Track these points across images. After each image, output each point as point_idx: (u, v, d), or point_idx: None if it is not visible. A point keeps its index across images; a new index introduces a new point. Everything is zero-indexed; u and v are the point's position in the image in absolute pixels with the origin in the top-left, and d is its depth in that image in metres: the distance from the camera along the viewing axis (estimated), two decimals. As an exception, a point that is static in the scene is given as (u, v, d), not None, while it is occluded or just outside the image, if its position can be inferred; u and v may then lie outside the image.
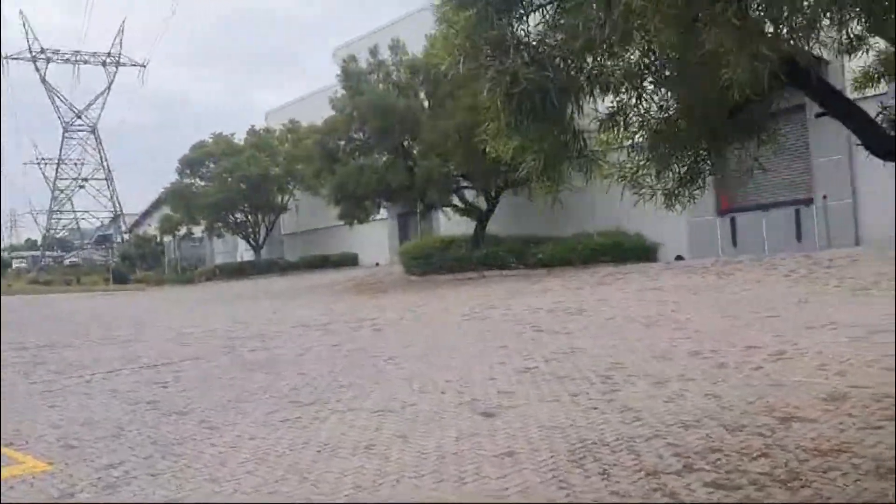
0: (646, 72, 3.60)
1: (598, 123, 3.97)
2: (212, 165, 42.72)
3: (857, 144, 3.94)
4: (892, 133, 3.70)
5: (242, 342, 13.43)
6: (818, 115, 4.02)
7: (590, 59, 3.54)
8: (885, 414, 5.62)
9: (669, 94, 3.67)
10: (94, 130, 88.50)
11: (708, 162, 4.06)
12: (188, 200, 42.20)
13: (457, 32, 3.35)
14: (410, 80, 24.23)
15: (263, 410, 7.59)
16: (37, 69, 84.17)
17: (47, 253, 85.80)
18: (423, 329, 13.24)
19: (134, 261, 59.45)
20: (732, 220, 21.09)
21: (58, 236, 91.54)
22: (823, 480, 4.43)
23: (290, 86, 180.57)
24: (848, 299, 11.52)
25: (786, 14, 2.98)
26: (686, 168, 4.01)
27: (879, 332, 8.56)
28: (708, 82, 3.34)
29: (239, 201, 41.38)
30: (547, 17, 3.49)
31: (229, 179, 40.48)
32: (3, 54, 79.12)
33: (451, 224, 27.66)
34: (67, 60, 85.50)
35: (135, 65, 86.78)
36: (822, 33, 3.18)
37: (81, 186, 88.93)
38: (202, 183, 43.17)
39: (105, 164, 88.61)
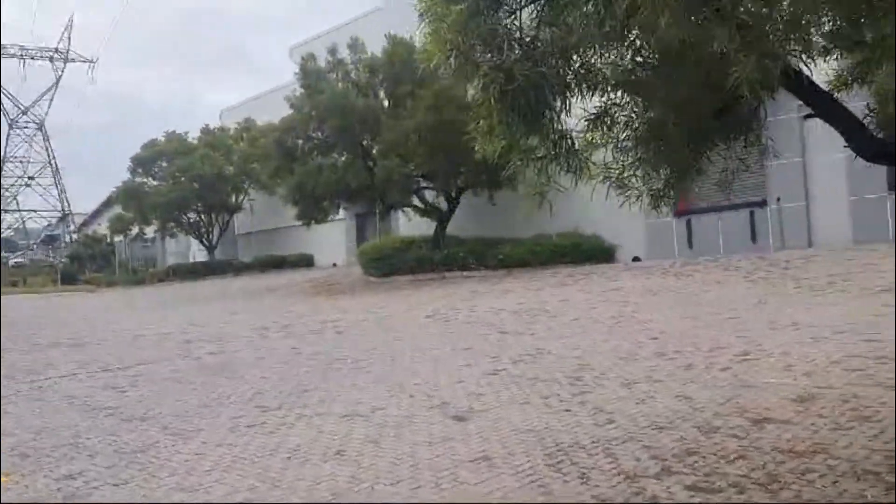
0: (638, 70, 3.56)
1: (587, 123, 3.92)
2: (164, 164, 41.89)
3: (845, 146, 3.97)
4: (880, 135, 3.72)
5: (200, 345, 13.13)
6: (806, 117, 4.01)
7: (577, 57, 3.48)
8: (855, 415, 5.68)
9: (658, 93, 3.62)
10: (41, 127, 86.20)
11: (695, 163, 4.04)
12: (140, 200, 41.30)
13: (448, 27, 3.25)
14: (370, 80, 24.04)
15: (228, 416, 7.40)
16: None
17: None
18: (387, 331, 13.10)
19: (83, 261, 57.97)
20: (689, 222, 21.37)
21: (2, 236, 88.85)
22: (802, 482, 4.44)
23: (245, 84, 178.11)
24: (807, 300, 11.72)
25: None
26: (673, 169, 3.98)
27: (842, 333, 8.70)
28: (697, 82, 3.32)
29: (192, 201, 40.62)
30: (540, 11, 3.42)
31: (182, 179, 39.73)
32: (-57, 48, 76.61)
33: (410, 225, 27.52)
34: (13, 55, 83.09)
35: (84, 61, 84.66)
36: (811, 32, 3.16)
37: (27, 185, 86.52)
38: (155, 182, 42.33)
39: (53, 161, 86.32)
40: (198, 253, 46.59)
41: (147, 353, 12.63)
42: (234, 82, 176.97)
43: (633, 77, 3.58)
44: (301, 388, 8.51)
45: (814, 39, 3.74)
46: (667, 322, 11.07)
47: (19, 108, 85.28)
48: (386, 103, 24.09)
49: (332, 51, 24.31)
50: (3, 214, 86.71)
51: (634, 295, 14.52)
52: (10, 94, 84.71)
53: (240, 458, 5.86)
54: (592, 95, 3.80)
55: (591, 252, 22.02)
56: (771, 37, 2.77)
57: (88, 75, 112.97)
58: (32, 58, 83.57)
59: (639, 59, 3.51)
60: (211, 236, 43.20)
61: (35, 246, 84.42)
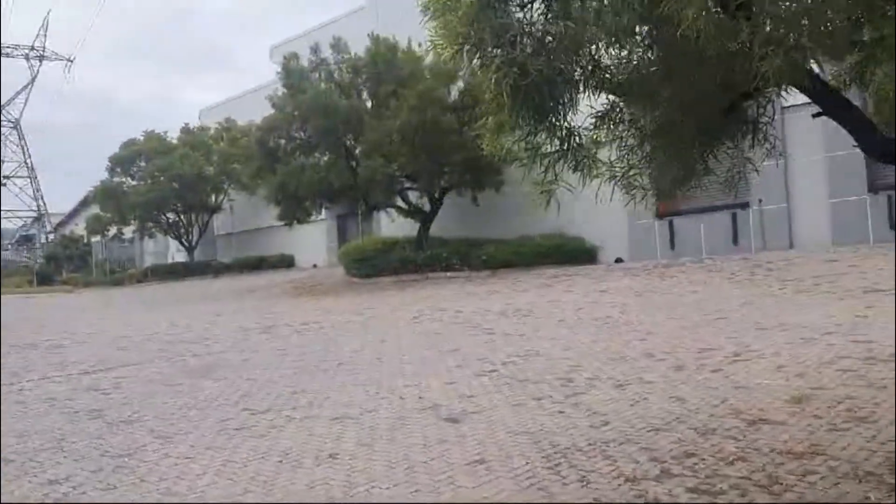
0: (646, 68, 3.50)
1: (594, 120, 3.86)
2: (143, 164, 41.39)
3: (854, 146, 3.95)
4: (891, 135, 3.70)
5: (184, 347, 12.96)
6: (815, 116, 3.95)
7: (586, 52, 3.42)
8: (850, 416, 5.68)
9: (666, 91, 3.57)
10: (16, 126, 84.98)
11: (702, 161, 4.00)
12: (118, 200, 40.78)
13: (459, 19, 3.18)
14: (353, 80, 23.93)
15: (216, 418, 7.27)
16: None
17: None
18: (372, 332, 12.99)
19: (60, 262, 57.23)
20: (671, 224, 21.46)
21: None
22: (804, 484, 4.42)
23: (224, 84, 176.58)
24: (793, 301, 11.76)
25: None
26: (680, 168, 3.94)
27: (830, 333, 8.73)
28: (706, 80, 3.27)
29: (171, 201, 40.21)
30: (551, 5, 3.35)
31: (162, 178, 39.30)
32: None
33: (392, 225, 27.43)
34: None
35: (60, 59, 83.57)
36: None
37: (2, 184, 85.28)
38: (133, 182, 41.80)
39: (28, 161, 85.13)
40: (177, 254, 46.15)
41: (129, 355, 12.43)
42: (214, 81, 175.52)
43: (640, 73, 3.52)
44: (289, 390, 8.39)
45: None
46: (654, 323, 11.06)
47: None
48: (369, 103, 24.02)
49: (315, 50, 24.17)
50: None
51: (620, 296, 14.53)
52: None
53: (230, 462, 5.75)
54: (600, 92, 3.75)
55: (574, 253, 22.10)
56: (794, 33, 2.72)
57: (65, 73, 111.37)
58: (7, 55, 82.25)
59: (649, 55, 3.45)
60: (190, 237, 42.79)
61: (10, 246, 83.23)
